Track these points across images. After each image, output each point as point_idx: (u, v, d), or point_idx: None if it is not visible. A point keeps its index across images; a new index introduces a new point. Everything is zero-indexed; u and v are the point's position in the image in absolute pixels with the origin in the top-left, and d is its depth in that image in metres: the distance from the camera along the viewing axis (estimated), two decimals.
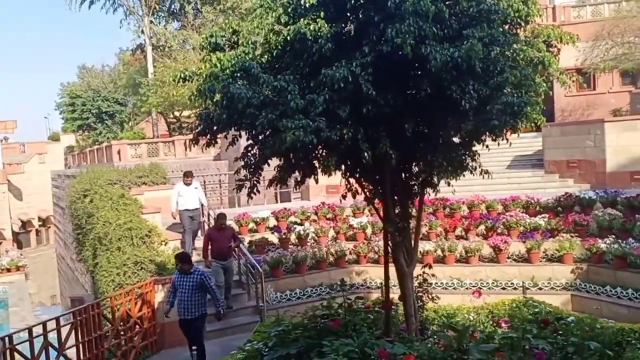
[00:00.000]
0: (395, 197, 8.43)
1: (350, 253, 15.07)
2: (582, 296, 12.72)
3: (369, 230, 15.87)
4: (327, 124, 6.61)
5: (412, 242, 8.47)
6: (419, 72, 6.82)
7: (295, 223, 16.43)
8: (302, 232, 15.38)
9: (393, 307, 9.99)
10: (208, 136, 7.95)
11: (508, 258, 14.22)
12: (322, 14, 7.02)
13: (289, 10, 7.22)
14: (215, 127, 7.89)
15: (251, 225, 16.06)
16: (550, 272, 13.63)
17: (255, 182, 7.84)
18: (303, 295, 13.75)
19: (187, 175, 14.01)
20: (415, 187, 8.44)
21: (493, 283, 13.56)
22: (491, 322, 10.12)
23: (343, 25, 7.11)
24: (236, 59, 7.06)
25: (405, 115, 7.12)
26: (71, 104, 41.48)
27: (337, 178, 8.49)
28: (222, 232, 12.03)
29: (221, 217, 12.28)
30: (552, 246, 14.05)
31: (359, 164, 7.95)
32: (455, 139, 8.07)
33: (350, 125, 6.92)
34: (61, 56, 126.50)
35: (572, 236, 13.98)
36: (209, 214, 15.08)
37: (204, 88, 6.77)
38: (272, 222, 16.40)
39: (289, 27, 7.02)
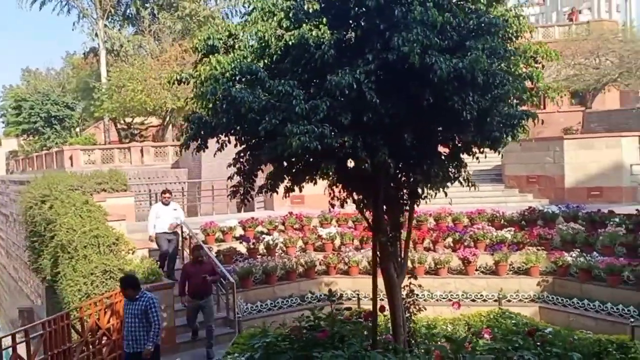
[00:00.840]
0: (385, 207, 8.40)
1: (320, 264, 14.97)
2: (550, 308, 13.02)
3: (337, 241, 15.81)
4: (330, 131, 6.54)
5: (402, 252, 8.42)
6: (422, 82, 6.81)
7: (263, 233, 16.21)
8: (271, 242, 15.18)
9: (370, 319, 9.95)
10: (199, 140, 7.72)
11: (476, 270, 14.44)
12: (324, 20, 6.96)
13: (290, 15, 7.12)
14: (206, 132, 7.69)
15: (218, 234, 15.73)
16: (517, 284, 13.90)
17: (249, 189, 7.67)
18: (274, 306, 13.54)
19: (165, 193, 13.12)
20: (405, 196, 8.43)
21: (463, 295, 13.71)
22: (469, 334, 10.18)
23: (344, 32, 7.07)
24: (235, 62, 6.90)
25: (405, 125, 7.11)
26: (16, 107, 39.84)
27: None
28: (198, 267, 10.97)
29: (197, 249, 11.37)
30: (518, 259, 14.34)
31: (352, 173, 7.90)
32: (441, 150, 8.14)
33: (350, 132, 6.86)
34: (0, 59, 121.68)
35: (538, 249, 14.31)
36: (189, 236, 14.10)
37: (206, 90, 6.57)
38: (239, 231, 16.11)
39: (290, 32, 6.93)
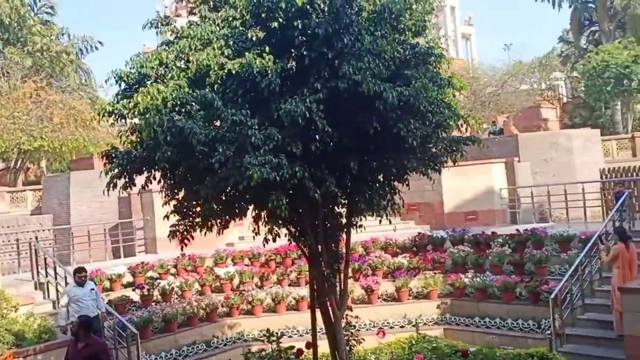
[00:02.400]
0: (317, 238, 8.23)
1: (222, 306, 14.29)
2: (454, 329, 13.53)
3: (236, 281, 15.25)
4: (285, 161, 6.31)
5: (342, 284, 8.27)
6: (368, 110, 6.82)
7: (154, 278, 15.16)
8: (167, 287, 14.24)
9: (302, 356, 9.66)
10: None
11: (379, 298, 14.64)
12: (266, 48, 6.76)
13: (231, 43, 6.83)
14: (133, 168, 7.08)
15: (105, 283, 14.43)
16: (419, 309, 14.28)
17: (188, 227, 7.12)
18: (179, 355, 12.68)
19: (80, 271, 10.70)
20: (340, 227, 8.35)
21: (370, 324, 13.78)
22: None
23: (286, 61, 6.93)
24: (178, 91, 6.44)
25: (351, 154, 7.06)
26: None
27: None
28: (79, 348, 7.86)
29: (83, 325, 7.98)
30: (417, 284, 14.77)
31: (291, 204, 7.66)
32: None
33: (299, 163, 6.67)
34: None
35: (434, 273, 14.85)
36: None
37: (153, 121, 6.01)
38: (128, 278, 14.96)
39: (232, 60, 6.63)
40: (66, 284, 12.89)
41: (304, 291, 14.39)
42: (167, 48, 7.44)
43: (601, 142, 23.06)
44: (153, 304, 14.02)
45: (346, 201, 7.87)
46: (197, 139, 6.03)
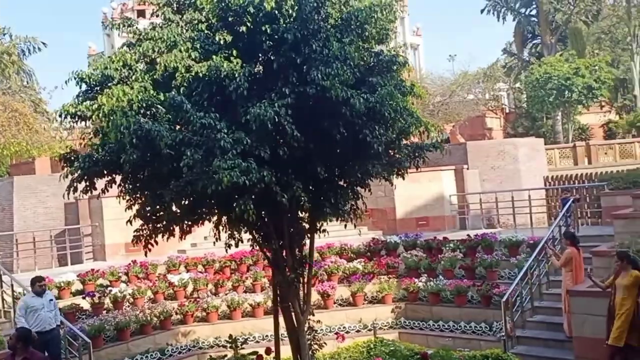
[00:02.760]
0: (282, 243, 8.25)
1: (176, 313, 14.05)
2: (409, 332, 13.73)
3: (189, 287, 15.01)
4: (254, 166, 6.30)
5: (306, 288, 8.30)
6: (335, 116, 6.89)
7: (104, 285, 14.75)
8: (119, 295, 13.89)
9: None
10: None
11: (334, 303, 14.72)
12: (234, 52, 6.75)
13: (198, 46, 6.78)
14: (95, 171, 6.92)
15: (54, 291, 13.94)
16: (374, 313, 14.44)
17: (151, 232, 7.00)
18: None
19: (40, 280, 9.91)
20: (304, 232, 8.38)
21: (326, 329, 13.82)
22: None
23: (254, 65, 6.94)
24: (144, 93, 6.34)
25: (318, 158, 7.12)
26: None
27: None
28: None
29: (21, 338, 7.24)
30: (372, 288, 14.93)
31: (257, 210, 7.65)
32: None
33: (267, 167, 6.67)
34: None
35: (389, 278, 15.04)
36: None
37: (119, 123, 5.89)
38: (78, 286, 14.51)
39: (201, 63, 6.59)
40: (13, 292, 12.42)
41: (259, 297, 14.33)
42: (129, 50, 7.33)
43: (545, 150, 23.93)
44: (104, 312, 13.65)
45: (310, 206, 7.88)
46: (164, 142, 5.96)
